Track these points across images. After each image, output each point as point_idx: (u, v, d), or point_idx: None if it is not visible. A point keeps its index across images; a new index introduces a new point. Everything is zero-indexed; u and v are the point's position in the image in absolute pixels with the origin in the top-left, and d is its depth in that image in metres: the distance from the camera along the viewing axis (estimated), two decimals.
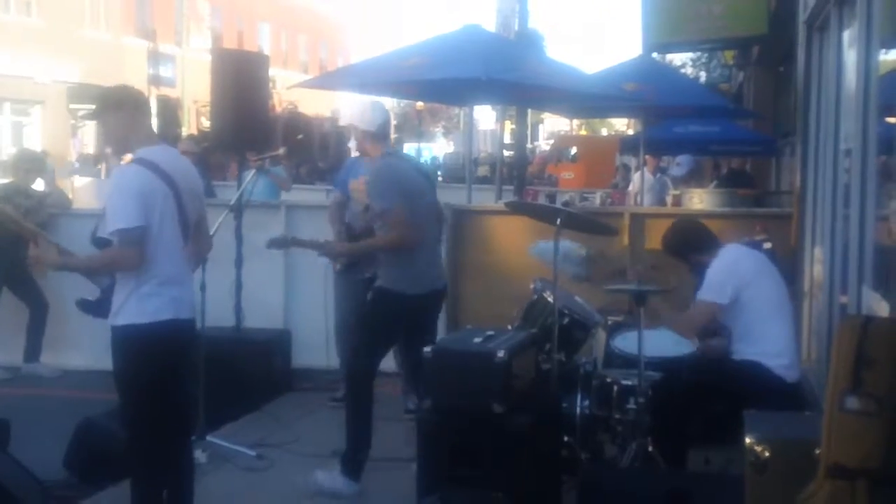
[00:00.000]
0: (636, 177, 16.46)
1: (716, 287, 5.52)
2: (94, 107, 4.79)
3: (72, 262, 5.09)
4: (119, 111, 4.67)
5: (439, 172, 35.02)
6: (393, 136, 50.52)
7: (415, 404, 6.97)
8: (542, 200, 17.88)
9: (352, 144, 6.74)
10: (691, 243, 5.86)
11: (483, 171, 34.97)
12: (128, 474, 4.86)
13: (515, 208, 7.38)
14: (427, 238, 5.91)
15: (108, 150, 5.45)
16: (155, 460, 4.75)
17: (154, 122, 34.14)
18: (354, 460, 5.74)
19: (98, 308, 4.85)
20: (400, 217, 5.66)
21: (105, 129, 4.81)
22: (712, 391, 5.50)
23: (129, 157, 4.65)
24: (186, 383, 5.12)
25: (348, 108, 6.30)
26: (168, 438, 4.76)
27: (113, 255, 4.60)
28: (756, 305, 5.52)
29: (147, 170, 4.53)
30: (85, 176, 20.03)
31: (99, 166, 25.30)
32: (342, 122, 6.28)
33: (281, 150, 8.80)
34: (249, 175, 7.17)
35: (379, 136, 6.02)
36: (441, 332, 7.76)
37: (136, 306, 4.55)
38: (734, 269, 5.58)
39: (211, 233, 6.33)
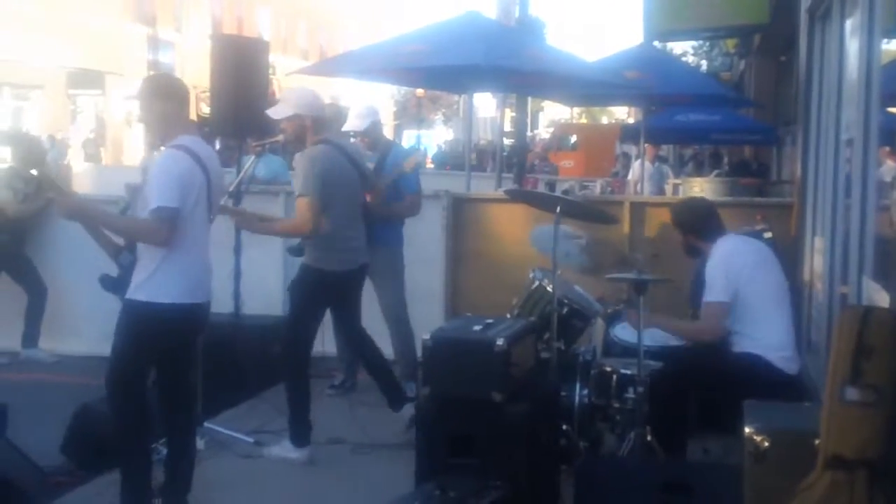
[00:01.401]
0: (635, 165, 16.46)
1: (718, 287, 5.47)
2: (141, 90, 4.88)
3: (98, 213, 5.15)
4: (168, 101, 4.85)
5: (430, 157, 34.76)
6: (393, 122, 50.40)
7: (412, 392, 6.99)
8: (541, 189, 17.88)
9: (347, 128, 6.78)
10: (695, 224, 5.80)
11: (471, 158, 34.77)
12: (118, 460, 4.95)
13: (515, 196, 7.37)
14: (350, 222, 6.20)
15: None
16: (142, 439, 4.90)
17: None
18: (298, 429, 6.04)
19: (119, 285, 4.95)
20: (309, 206, 5.84)
21: (150, 116, 4.90)
22: (711, 382, 5.48)
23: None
24: (193, 368, 5.21)
25: (291, 97, 6.23)
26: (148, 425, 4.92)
27: (144, 225, 4.70)
28: (755, 297, 5.49)
29: (189, 157, 4.72)
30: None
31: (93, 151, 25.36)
32: (283, 114, 6.14)
33: (280, 137, 8.76)
34: (249, 161, 7.15)
35: (321, 121, 6.18)
36: (440, 320, 7.79)
37: (161, 286, 4.70)
38: (729, 265, 5.53)
39: None
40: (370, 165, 7.11)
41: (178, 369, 4.99)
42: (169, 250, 4.66)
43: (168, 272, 4.69)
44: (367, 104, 7.62)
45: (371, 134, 7.35)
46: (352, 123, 7.50)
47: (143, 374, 4.91)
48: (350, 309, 6.48)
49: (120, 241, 5.33)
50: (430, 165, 34.83)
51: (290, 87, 7.86)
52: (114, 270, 5.51)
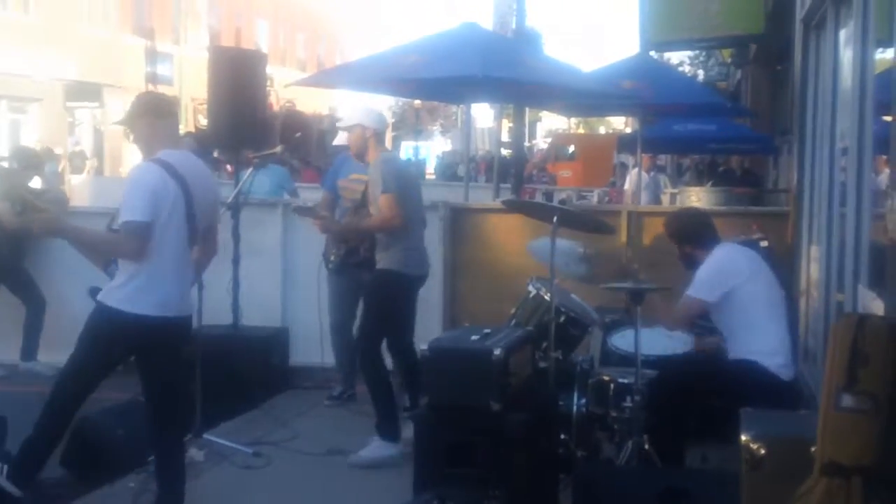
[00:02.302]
0: (632, 175, 16.49)
1: (705, 285, 5.51)
2: (129, 110, 5.03)
3: (74, 230, 5.19)
4: (143, 118, 4.96)
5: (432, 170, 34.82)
6: (390, 134, 50.33)
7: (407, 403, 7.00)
8: (539, 199, 17.90)
9: (339, 142, 6.89)
10: (689, 235, 5.83)
11: (459, 169, 34.75)
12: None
13: (513, 206, 7.38)
14: (419, 225, 6.47)
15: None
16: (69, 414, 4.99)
17: None
18: (389, 426, 6.18)
19: None
20: (395, 202, 6.11)
21: (134, 134, 5.07)
22: (708, 390, 5.50)
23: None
24: (180, 380, 5.21)
25: (354, 110, 6.67)
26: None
27: (117, 240, 4.79)
28: (750, 304, 5.51)
29: (162, 169, 4.75)
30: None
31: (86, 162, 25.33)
32: (347, 123, 6.53)
33: (278, 149, 8.80)
34: (247, 173, 7.16)
35: (382, 135, 6.57)
36: (438, 330, 7.80)
37: (127, 295, 4.74)
38: (725, 269, 5.57)
39: None
40: (362, 177, 7.14)
41: (163, 383, 4.98)
42: (142, 263, 4.70)
43: (139, 284, 4.73)
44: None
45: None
46: (343, 138, 7.53)
47: (87, 376, 4.90)
48: (413, 315, 6.63)
49: None
50: (430, 176, 34.80)
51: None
52: (105, 282, 5.50)
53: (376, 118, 6.54)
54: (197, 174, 4.94)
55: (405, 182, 6.36)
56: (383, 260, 6.30)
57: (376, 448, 6.14)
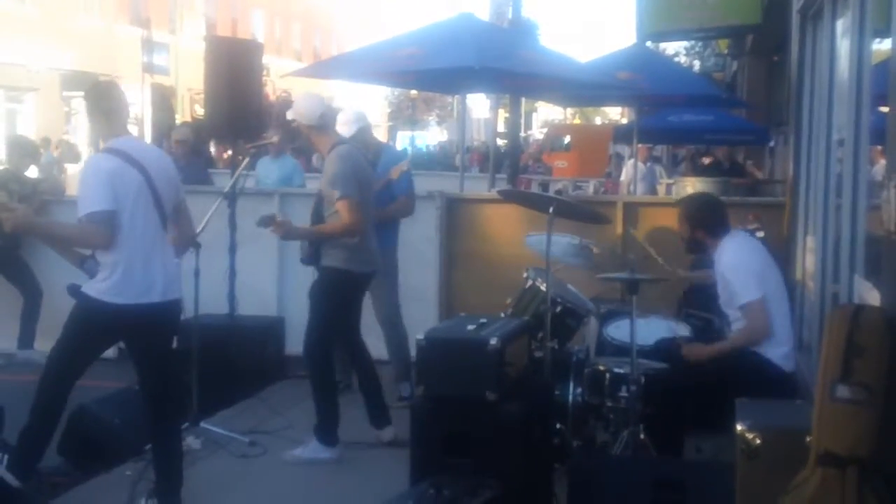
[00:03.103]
0: (628, 166, 16.48)
1: (752, 285, 5.52)
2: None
3: (44, 225, 5.34)
4: (88, 107, 5.01)
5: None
6: (387, 124, 50.28)
7: (408, 392, 7.01)
8: (535, 189, 17.89)
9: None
10: (704, 219, 5.83)
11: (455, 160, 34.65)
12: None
13: (508, 197, 7.39)
14: (369, 223, 6.24)
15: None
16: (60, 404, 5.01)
17: (148, 111, 34.23)
18: (326, 429, 6.06)
19: None
20: (354, 204, 5.94)
21: (90, 123, 5.16)
22: (705, 380, 5.51)
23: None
24: (172, 365, 5.23)
25: (295, 105, 6.34)
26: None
27: (83, 228, 4.75)
28: (768, 296, 5.56)
29: (116, 157, 4.77)
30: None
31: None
32: (289, 118, 6.31)
33: (275, 139, 8.80)
34: (244, 163, 7.16)
35: (322, 127, 6.20)
36: (434, 320, 7.81)
37: (109, 287, 4.77)
38: (752, 262, 5.63)
39: (205, 220, 6.36)
40: None
41: (156, 369, 5.00)
42: (118, 253, 4.73)
43: (119, 274, 4.75)
44: (354, 110, 7.58)
45: (358, 140, 7.31)
46: (339, 129, 7.52)
47: (74, 363, 4.96)
48: (358, 312, 6.53)
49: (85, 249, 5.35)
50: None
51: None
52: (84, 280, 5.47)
53: (309, 109, 6.16)
54: (153, 158, 4.98)
55: (360, 182, 6.07)
56: (328, 257, 6.15)
57: (312, 450, 6.07)
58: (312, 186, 9.39)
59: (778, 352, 5.48)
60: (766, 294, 5.52)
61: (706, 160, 18.93)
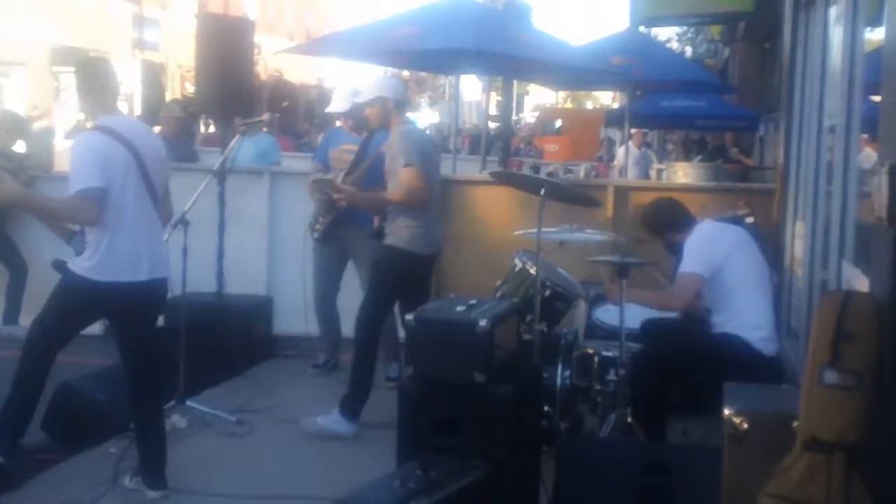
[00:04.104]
0: (621, 151, 16.47)
1: (696, 260, 5.54)
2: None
3: (31, 198, 5.28)
4: (77, 84, 4.98)
5: None
6: None
7: (396, 372, 7.01)
8: (526, 171, 17.84)
9: (332, 109, 6.77)
10: (668, 221, 5.91)
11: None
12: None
13: (500, 178, 7.36)
14: (435, 202, 6.33)
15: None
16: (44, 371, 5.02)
17: (138, 87, 34.05)
18: (353, 405, 6.10)
19: None
20: (418, 173, 6.03)
21: (79, 101, 5.09)
22: (691, 363, 5.53)
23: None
24: (155, 344, 5.23)
25: (372, 83, 6.51)
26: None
27: (73, 203, 4.72)
28: (733, 279, 5.56)
29: (106, 135, 4.76)
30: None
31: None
32: (367, 97, 6.36)
33: (265, 116, 8.77)
34: (234, 140, 7.13)
35: (402, 104, 6.39)
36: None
37: (95, 264, 4.77)
38: (710, 243, 5.63)
39: (193, 198, 6.34)
40: (353, 148, 7.11)
41: (139, 348, 5.00)
42: (105, 230, 4.73)
43: (106, 251, 4.75)
44: (350, 86, 7.59)
45: (354, 115, 7.31)
46: (335, 105, 7.49)
47: (56, 337, 4.98)
48: (426, 294, 6.54)
49: (74, 226, 5.34)
50: None
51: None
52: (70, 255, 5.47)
53: (396, 87, 6.41)
54: (143, 136, 4.98)
55: (426, 157, 6.23)
56: (391, 235, 6.21)
57: (333, 420, 6.10)
58: (299, 166, 9.38)
59: (755, 335, 5.49)
60: (711, 275, 5.52)
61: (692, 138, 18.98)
